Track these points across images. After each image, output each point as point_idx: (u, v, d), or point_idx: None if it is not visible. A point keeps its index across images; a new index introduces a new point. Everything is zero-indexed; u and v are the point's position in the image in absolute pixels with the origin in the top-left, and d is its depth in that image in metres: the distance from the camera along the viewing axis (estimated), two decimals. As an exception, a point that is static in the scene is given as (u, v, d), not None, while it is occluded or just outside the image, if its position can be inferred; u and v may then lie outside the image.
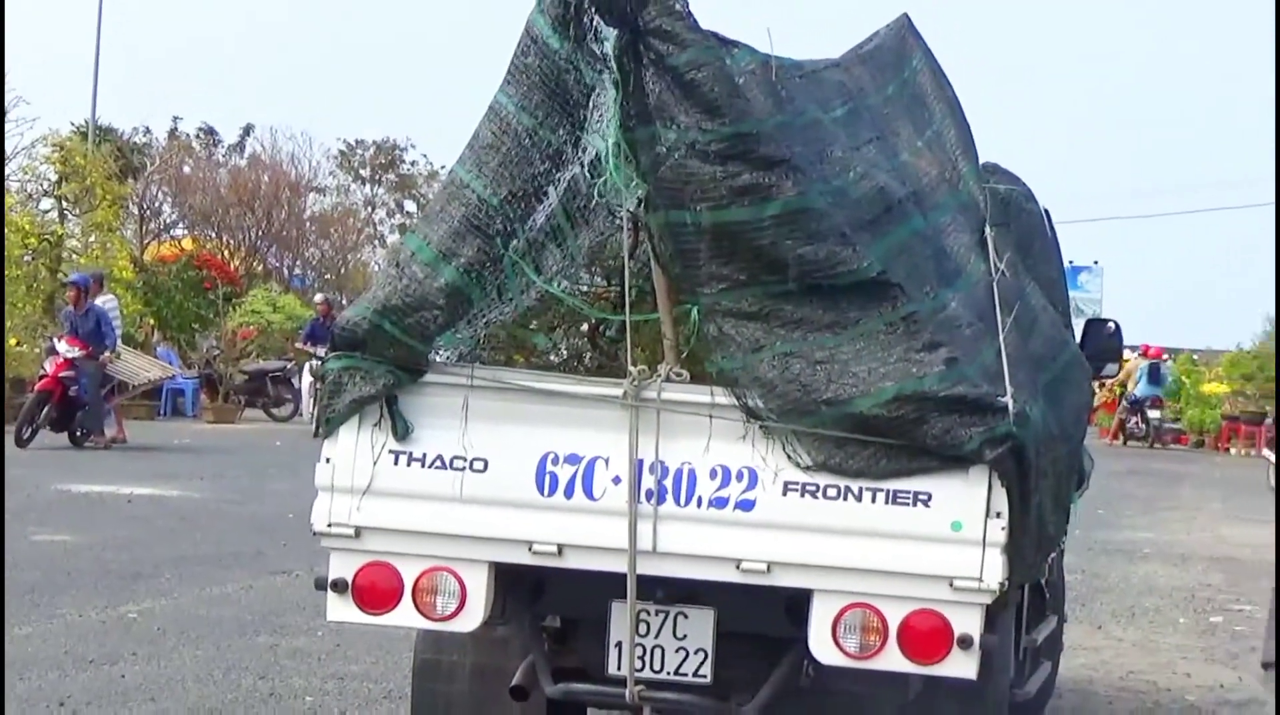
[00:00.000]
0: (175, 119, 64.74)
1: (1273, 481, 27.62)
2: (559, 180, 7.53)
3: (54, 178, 44.50)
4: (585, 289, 7.98)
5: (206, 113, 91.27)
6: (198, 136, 65.44)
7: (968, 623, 7.23)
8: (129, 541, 17.08)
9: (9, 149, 42.38)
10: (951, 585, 7.19)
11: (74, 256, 41.41)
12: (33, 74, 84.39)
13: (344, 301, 44.46)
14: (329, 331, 30.48)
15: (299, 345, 34.05)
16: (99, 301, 31.41)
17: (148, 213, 55.23)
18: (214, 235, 56.26)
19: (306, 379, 34.93)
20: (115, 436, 30.28)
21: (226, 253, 54.70)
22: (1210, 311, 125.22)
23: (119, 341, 31.16)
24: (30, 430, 28.28)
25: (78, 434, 29.06)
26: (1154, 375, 44.05)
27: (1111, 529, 21.27)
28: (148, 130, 62.71)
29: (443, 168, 50.73)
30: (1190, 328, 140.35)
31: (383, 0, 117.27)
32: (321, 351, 30.14)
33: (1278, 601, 5.94)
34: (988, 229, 8.63)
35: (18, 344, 32.96)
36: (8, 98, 41.93)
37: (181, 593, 14.14)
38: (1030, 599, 9.64)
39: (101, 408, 29.56)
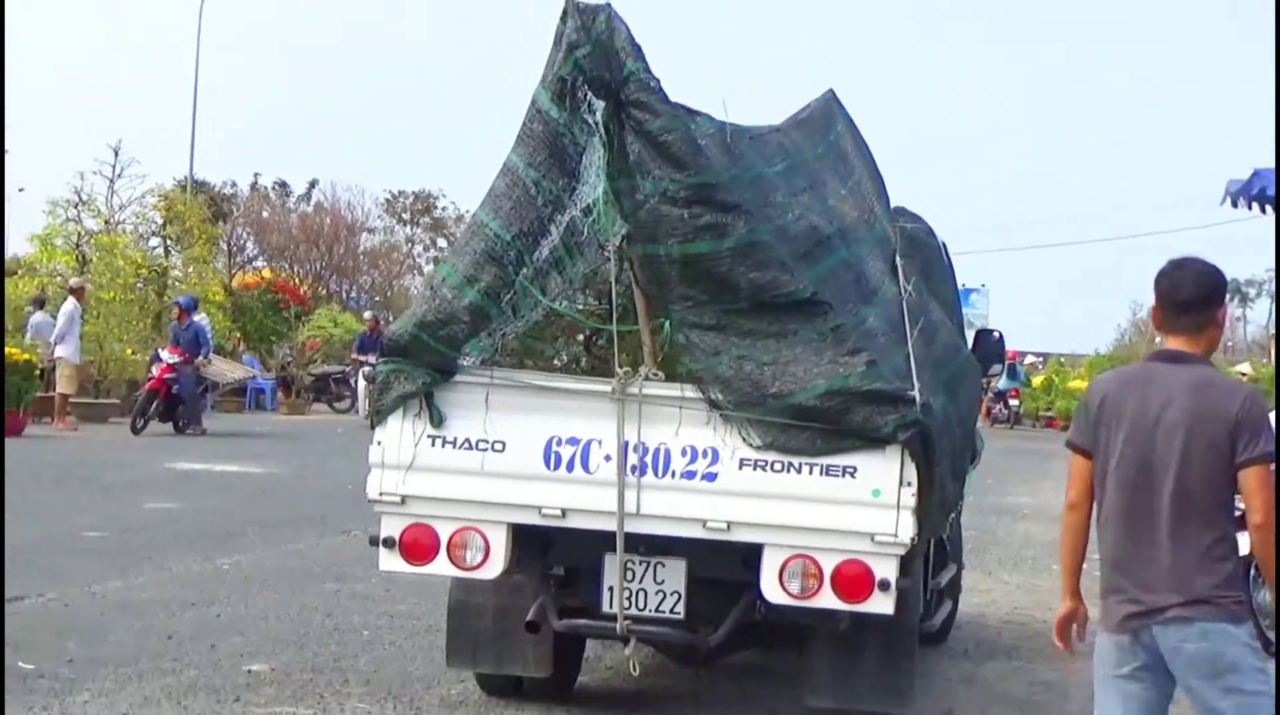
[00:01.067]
0: (256, 175, 64.96)
1: None
2: (559, 221, 7.58)
3: (160, 221, 44.37)
4: (581, 307, 7.98)
5: (281, 169, 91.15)
6: (273, 188, 65.45)
7: (886, 569, 7.28)
8: (221, 508, 17.05)
9: (125, 198, 42.35)
10: (873, 540, 7.25)
11: (176, 284, 41.28)
12: (144, 139, 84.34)
13: (389, 318, 44.40)
14: (376, 342, 30.50)
15: (353, 354, 33.64)
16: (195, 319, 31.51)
17: (234, 249, 55.10)
18: (287, 266, 56.17)
19: (361, 382, 34.69)
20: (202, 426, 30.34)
21: (297, 280, 54.61)
22: (1074, 323, 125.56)
23: (212, 351, 31.19)
24: (143, 421, 28.26)
25: (180, 424, 29.01)
26: (1012, 372, 44.71)
27: (998, 495, 21.27)
28: (234, 184, 62.75)
29: (467, 211, 50.78)
30: (1058, 336, 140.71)
31: (419, 80, 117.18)
32: (370, 359, 30.16)
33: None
34: (898, 258, 8.69)
35: (132, 353, 32.88)
36: (124, 158, 41.92)
37: (263, 549, 14.11)
38: (935, 551, 9.69)
39: (199, 403, 29.57)
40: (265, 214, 60.38)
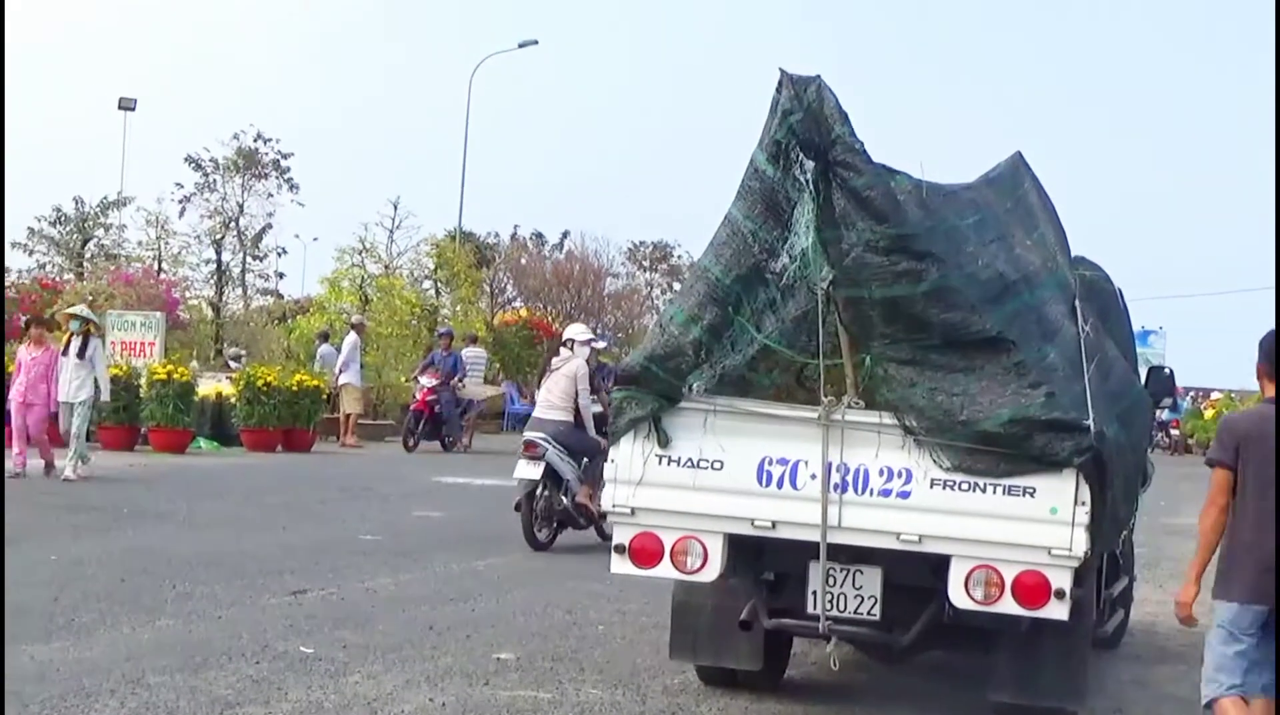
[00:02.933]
0: (515, 226, 65.92)
1: None
2: (773, 267, 7.59)
3: (432, 266, 45.19)
4: (792, 343, 7.97)
5: (537, 221, 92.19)
6: (531, 238, 66.30)
7: (1062, 580, 7.19)
8: (480, 517, 17.26)
9: (402, 247, 43.22)
10: (1050, 552, 7.16)
11: (445, 320, 41.99)
12: (420, 198, 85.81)
13: (625, 352, 44.67)
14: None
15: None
16: (468, 351, 32.08)
17: (496, 291, 55.81)
18: (542, 306, 56.75)
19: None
20: (464, 443, 30.81)
21: (550, 318, 55.13)
22: (1244, 361, 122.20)
23: (468, 377, 31.63)
24: (414, 440, 28.78)
25: (446, 442, 29.48)
26: (1174, 405, 43.88)
27: (1170, 515, 20.74)
28: (496, 234, 63.67)
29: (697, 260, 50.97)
30: (1230, 373, 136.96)
31: (660, 144, 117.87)
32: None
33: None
34: (1077, 302, 8.56)
35: (406, 381, 33.45)
36: (402, 212, 42.74)
37: (514, 553, 14.25)
38: (1108, 564, 9.51)
39: (458, 422, 30.03)
40: (523, 261, 61.10)
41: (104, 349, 20.78)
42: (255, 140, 44.23)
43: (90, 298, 32.53)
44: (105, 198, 43.84)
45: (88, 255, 43.46)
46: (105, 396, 20.37)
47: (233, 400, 27.72)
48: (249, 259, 45.07)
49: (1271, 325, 6.84)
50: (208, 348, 36.23)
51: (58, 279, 39.84)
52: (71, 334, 19.75)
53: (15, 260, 43.52)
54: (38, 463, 19.25)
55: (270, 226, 45.22)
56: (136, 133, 77.10)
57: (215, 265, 43.50)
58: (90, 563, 11.96)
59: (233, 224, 43.98)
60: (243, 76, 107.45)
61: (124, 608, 10.01)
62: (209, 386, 28.33)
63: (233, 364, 31.66)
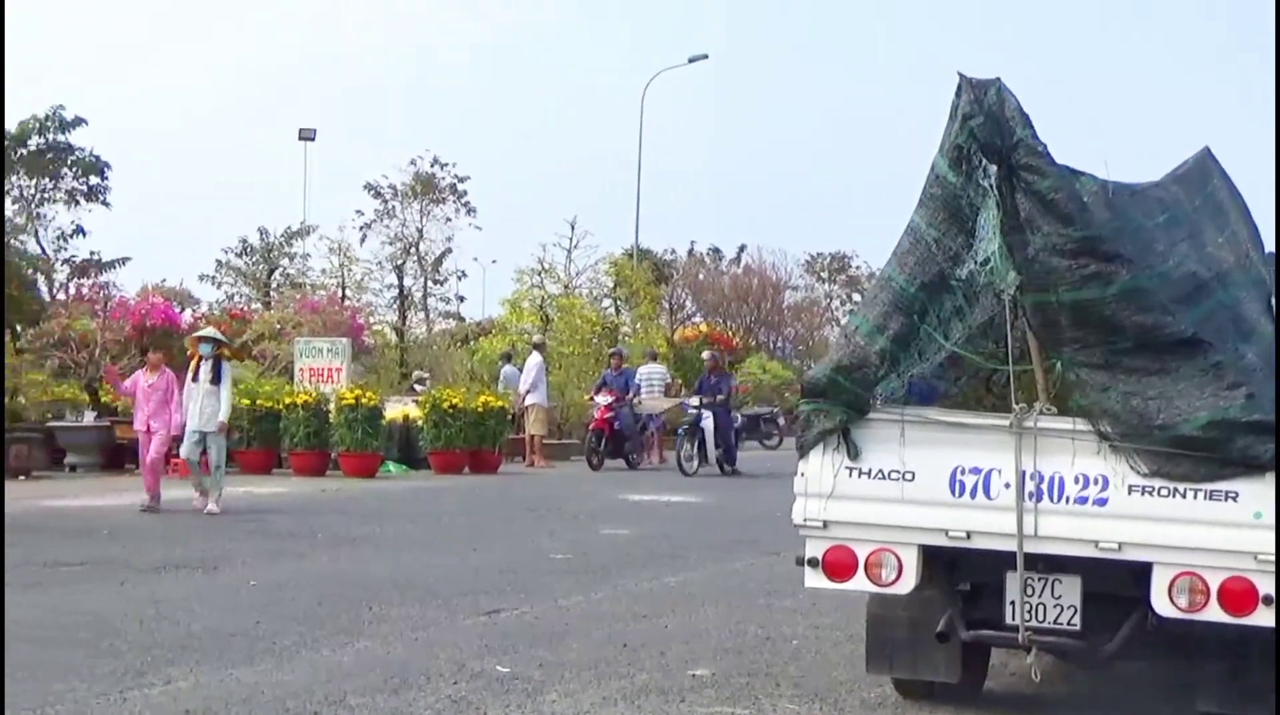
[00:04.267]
0: (692, 242, 66.34)
1: None
2: (958, 273, 7.52)
3: (610, 284, 45.50)
4: (980, 350, 7.89)
5: (713, 236, 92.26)
6: (708, 253, 66.59)
7: (1269, 586, 7.01)
8: (667, 533, 17.31)
9: (581, 266, 43.55)
10: (1255, 558, 7.00)
11: (625, 338, 42.24)
12: (597, 216, 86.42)
13: (810, 366, 44.61)
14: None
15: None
16: (646, 368, 32.20)
17: (675, 307, 56.10)
18: (721, 321, 56.90)
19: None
20: (651, 459, 30.99)
21: (730, 332, 55.24)
22: None
23: (645, 394, 31.75)
24: (598, 458, 29.00)
25: (630, 459, 29.64)
26: None
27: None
28: (673, 250, 63.96)
29: (877, 269, 50.73)
30: None
31: (835, 153, 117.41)
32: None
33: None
34: (1273, 300, 8.38)
35: (589, 399, 33.67)
36: (579, 231, 43.06)
37: (704, 568, 14.27)
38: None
39: (639, 438, 30.19)
40: (701, 276, 61.37)
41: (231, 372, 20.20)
42: (432, 165, 44.84)
43: (278, 326, 33.24)
44: (289, 227, 44.79)
45: (274, 284, 44.38)
46: (223, 417, 19.01)
47: (419, 423, 28.13)
48: (430, 283, 45.67)
49: None
50: (393, 372, 36.78)
51: (246, 309, 40.77)
52: (201, 358, 18.94)
53: (204, 292, 44.63)
54: (176, 495, 19.42)
55: (450, 250, 45.80)
56: (317, 162, 78.65)
57: (397, 290, 44.17)
58: (289, 587, 12.21)
59: (413, 249, 44.61)
60: (417, 103, 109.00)
61: (323, 630, 10.20)
62: (396, 410, 28.79)
63: (418, 387, 32.13)
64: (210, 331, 20.45)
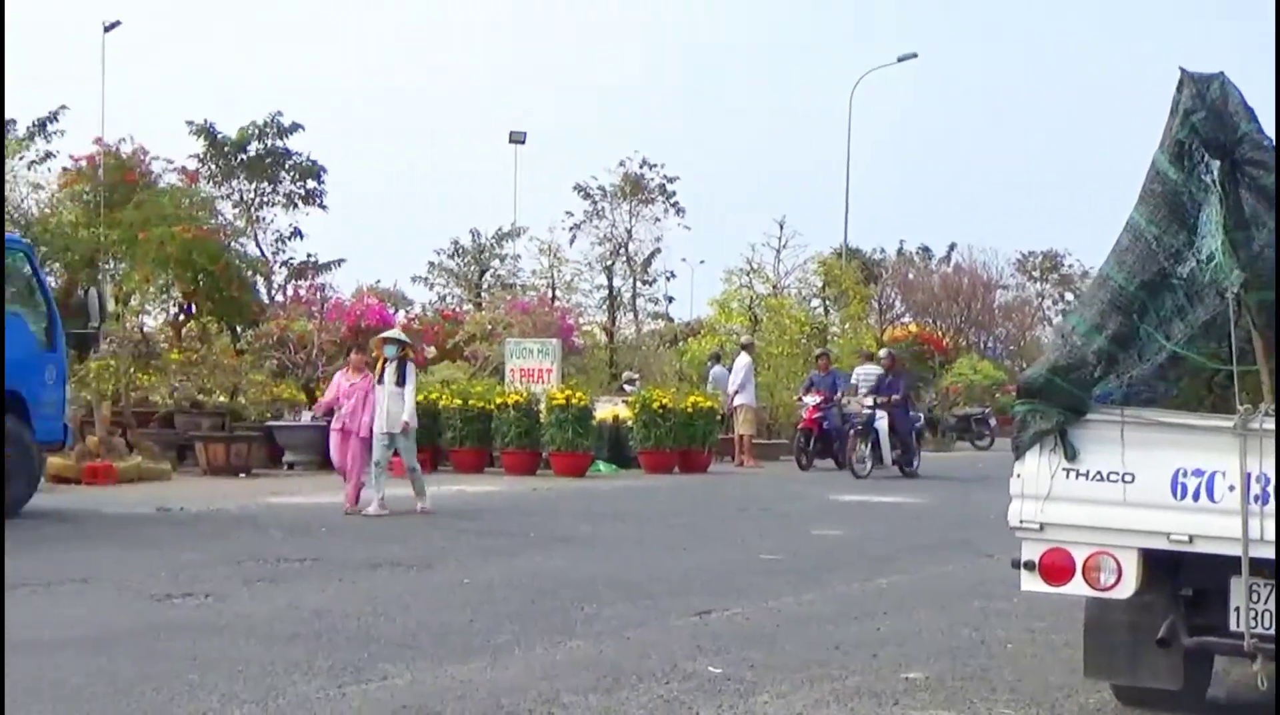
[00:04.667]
0: (901, 241, 65.90)
1: None
2: (1179, 271, 7.36)
3: (819, 284, 45.37)
4: (1202, 350, 7.71)
5: (923, 235, 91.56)
6: (917, 252, 66.04)
7: None
8: (878, 534, 17.21)
9: (789, 266, 43.38)
10: None
11: (834, 339, 42.07)
12: (805, 216, 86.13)
13: (1022, 366, 43.99)
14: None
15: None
16: (861, 368, 32.02)
17: (884, 307, 55.76)
18: (930, 321, 56.38)
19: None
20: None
21: (940, 333, 54.71)
22: None
23: (860, 391, 31.61)
24: (807, 458, 28.93)
25: (840, 459, 29.51)
26: None
27: None
28: (883, 249, 63.71)
29: (1091, 268, 49.91)
30: None
31: (1049, 149, 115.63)
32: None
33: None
34: None
35: (798, 400, 33.54)
36: (788, 231, 42.93)
37: (915, 570, 14.15)
38: None
39: (845, 438, 29.99)
40: (910, 275, 60.92)
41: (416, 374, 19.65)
42: (641, 166, 45.16)
43: (489, 326, 33.69)
44: (500, 229, 45.45)
45: (485, 285, 45.04)
46: (412, 421, 18.65)
47: (629, 423, 28.30)
48: (639, 283, 45.98)
49: None
50: (602, 372, 37.07)
51: (457, 310, 41.40)
52: (386, 360, 18.73)
53: (417, 293, 45.45)
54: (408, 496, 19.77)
55: (659, 250, 46.13)
56: (527, 164, 79.46)
57: (607, 291, 44.53)
58: (501, 585, 12.36)
59: (622, 249, 44.94)
60: (625, 104, 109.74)
61: (536, 628, 10.31)
62: (606, 410, 29.00)
63: (628, 387, 32.34)
64: (395, 332, 20.34)
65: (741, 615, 11.23)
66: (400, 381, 18.51)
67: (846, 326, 44.73)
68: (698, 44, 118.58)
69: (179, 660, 8.83)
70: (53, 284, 27.09)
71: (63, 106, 34.02)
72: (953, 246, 65.45)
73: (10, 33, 19.88)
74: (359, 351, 19.63)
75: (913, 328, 53.23)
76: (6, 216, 30.64)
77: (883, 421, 27.51)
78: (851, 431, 27.95)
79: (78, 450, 22.71)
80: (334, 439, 18.94)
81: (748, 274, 43.66)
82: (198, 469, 25.62)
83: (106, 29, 34.66)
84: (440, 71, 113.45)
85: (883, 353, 31.25)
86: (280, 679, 8.50)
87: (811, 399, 29.49)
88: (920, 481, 26.48)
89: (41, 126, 33.78)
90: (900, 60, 48.27)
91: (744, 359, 31.50)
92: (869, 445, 27.43)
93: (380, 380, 18.54)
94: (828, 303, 45.92)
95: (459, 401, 27.41)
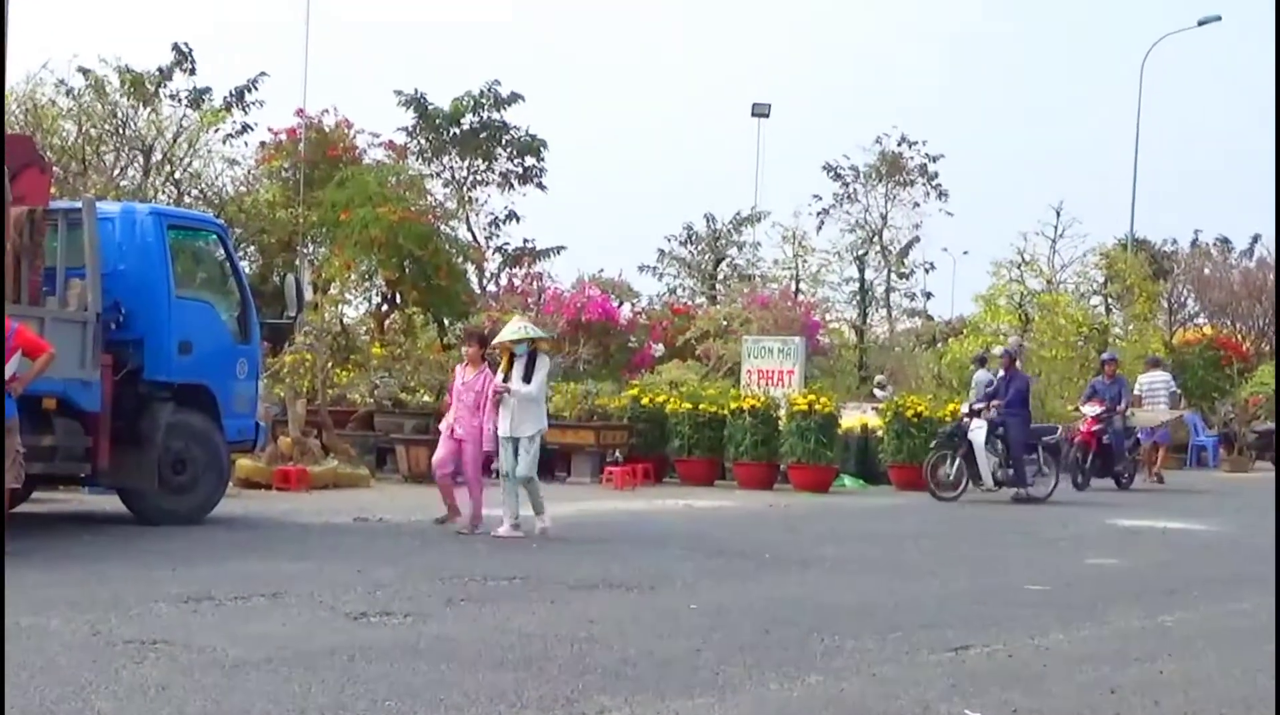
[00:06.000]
0: (1196, 232, 64.41)
1: None
2: None
3: (1100, 280, 44.66)
4: None
5: (1222, 225, 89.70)
6: (1215, 245, 64.55)
7: None
8: (1164, 564, 16.88)
9: (1066, 258, 42.82)
10: None
11: (1116, 341, 41.40)
12: (1086, 202, 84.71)
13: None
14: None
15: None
16: (1147, 376, 31.53)
17: (1175, 306, 54.64)
18: (1229, 323, 55.09)
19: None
20: (1149, 478, 30.32)
21: (1239, 337, 53.45)
22: None
23: (1147, 405, 31.11)
24: (1082, 476, 28.49)
25: (1120, 478, 29.03)
26: None
27: None
28: (1174, 241, 62.39)
29: None
30: None
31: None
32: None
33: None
34: None
35: (1073, 409, 33.02)
36: (1065, 218, 42.36)
37: (1205, 606, 13.83)
38: None
39: (1129, 456, 29.53)
40: (1206, 271, 59.55)
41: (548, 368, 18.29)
42: (899, 144, 44.89)
43: (725, 322, 33.77)
44: (738, 213, 45.46)
45: (720, 276, 45.12)
46: (538, 424, 17.62)
47: (879, 433, 28.15)
48: (894, 276, 45.74)
49: None
50: (850, 375, 36.93)
51: (689, 303, 41.56)
52: (514, 357, 17.51)
53: (644, 284, 45.72)
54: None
55: (917, 239, 45.87)
56: (770, 141, 79.51)
57: (857, 284, 44.35)
58: (732, 611, 12.36)
59: (876, 238, 44.74)
60: (882, 73, 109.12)
61: (769, 661, 10.28)
62: (853, 418, 28.88)
63: (878, 393, 32.20)
64: (519, 330, 17.96)
65: (1003, 652, 11.08)
66: (527, 378, 17.33)
67: (1131, 328, 43.98)
68: (964, 3, 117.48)
69: (375, 686, 8.97)
70: (247, 269, 27.80)
71: (262, 73, 34.99)
72: (1256, 238, 63.84)
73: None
74: (477, 342, 18.55)
75: (1208, 330, 52.08)
76: (200, 194, 31.55)
77: (979, 432, 25.67)
78: (934, 442, 26.46)
79: (269, 452, 23.28)
80: (440, 445, 18.17)
81: (1018, 267, 43.17)
82: (398, 475, 26.10)
83: (313, -10, 35.47)
84: (674, 35, 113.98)
85: (997, 350, 29.82)
86: (485, 709, 8.59)
87: (1091, 409, 29.04)
88: (1212, 507, 25.89)
89: (239, 96, 34.71)
90: (1201, 24, 47.31)
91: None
92: (954, 460, 25.61)
93: (506, 379, 17.43)
94: (1109, 300, 45.18)
95: (688, 406, 27.52)
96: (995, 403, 26.15)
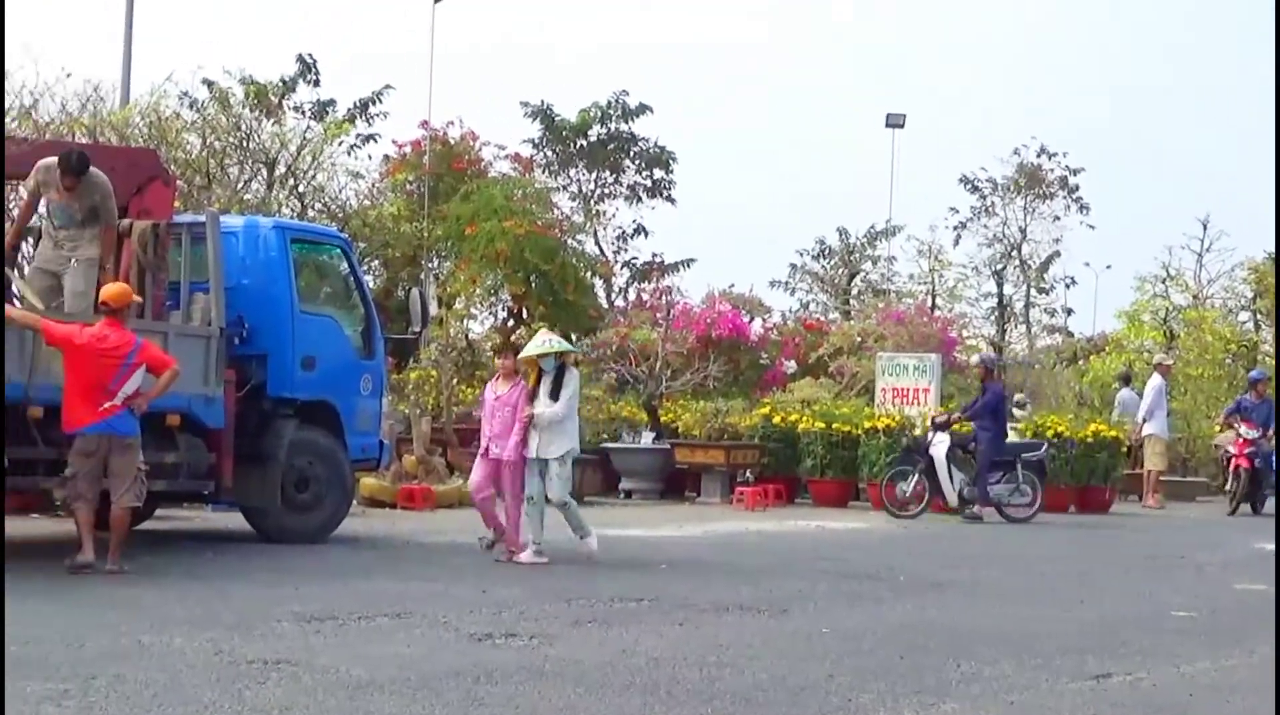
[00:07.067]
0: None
1: None
2: None
3: (1249, 295, 44.09)
4: None
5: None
6: None
7: None
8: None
9: (1214, 272, 42.30)
10: None
11: (1264, 359, 40.85)
12: (1234, 214, 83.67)
13: None
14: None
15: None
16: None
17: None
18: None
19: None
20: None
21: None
22: None
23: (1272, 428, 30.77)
24: (1234, 501, 28.16)
25: (1255, 503, 28.61)
26: None
27: None
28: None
29: None
30: None
31: None
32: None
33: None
34: None
35: (1220, 431, 32.64)
36: (1212, 232, 41.89)
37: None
38: None
39: (1271, 481, 29.13)
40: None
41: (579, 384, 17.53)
42: (1039, 155, 44.60)
43: (859, 339, 33.68)
44: (872, 227, 45.37)
45: (854, 291, 45.03)
46: (570, 443, 16.90)
47: (1018, 454, 27.94)
48: (1033, 291, 45.43)
49: None
50: (988, 394, 36.64)
51: (822, 319, 41.48)
52: (542, 372, 16.87)
53: (776, 299, 45.70)
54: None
55: (1058, 253, 45.51)
56: (905, 152, 79.24)
57: (996, 299, 44.09)
58: (866, 636, 12.31)
59: (1014, 252, 44.45)
60: (1021, 80, 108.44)
61: (904, 688, 10.23)
62: (991, 438, 28.63)
63: (1017, 412, 31.95)
64: (544, 344, 17.18)
65: (1147, 681, 10.96)
66: (554, 394, 16.64)
67: (1284, 345, 43.41)
68: (1104, 11, 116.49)
69: (500, 709, 9.02)
70: (371, 283, 28.05)
71: (387, 86, 35.32)
72: None
73: (337, 5, 20.67)
74: (509, 354, 17.67)
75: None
76: (324, 208, 31.87)
77: (941, 446, 24.96)
78: (894, 457, 26.00)
79: (393, 470, 23.48)
80: (476, 467, 17.34)
81: (1163, 282, 42.75)
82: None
83: (436, 0, 35.75)
84: (805, 43, 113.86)
85: (974, 358, 28.74)
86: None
87: (1249, 431, 28.63)
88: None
89: (363, 108, 35.07)
90: (1353, 28, 46.67)
91: (1155, 381, 30.82)
92: (913, 479, 25.00)
93: (534, 397, 16.74)
94: (1259, 316, 44.57)
95: (821, 425, 27.47)
96: (956, 416, 25.73)
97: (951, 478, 24.94)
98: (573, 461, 17.09)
